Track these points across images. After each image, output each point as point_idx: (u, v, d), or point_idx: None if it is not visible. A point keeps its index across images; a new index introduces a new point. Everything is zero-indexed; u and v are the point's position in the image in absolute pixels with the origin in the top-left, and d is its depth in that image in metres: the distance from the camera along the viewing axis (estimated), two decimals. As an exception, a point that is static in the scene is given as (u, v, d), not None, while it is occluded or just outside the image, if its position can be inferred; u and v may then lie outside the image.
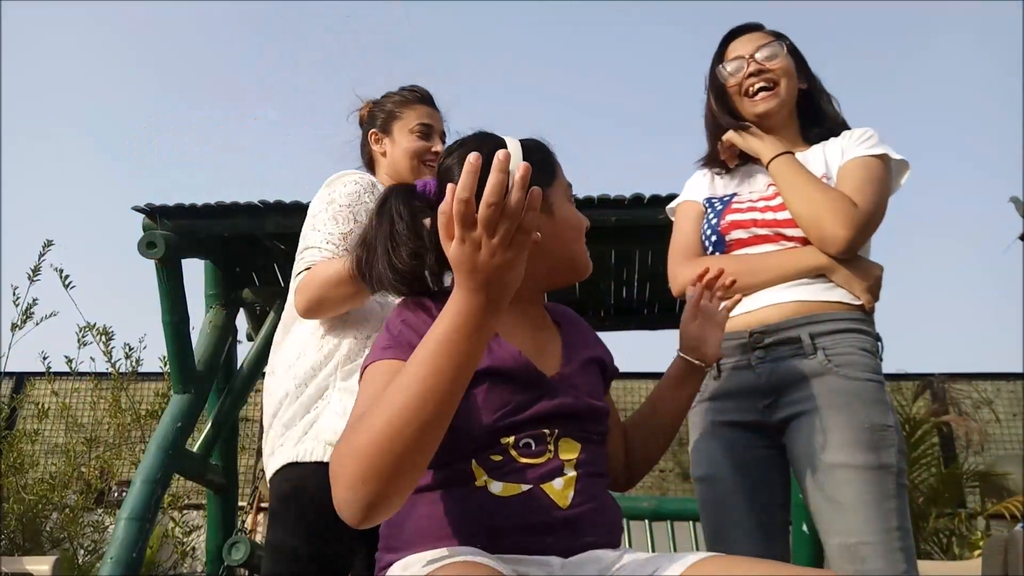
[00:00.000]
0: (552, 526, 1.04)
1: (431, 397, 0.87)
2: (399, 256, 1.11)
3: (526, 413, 1.08)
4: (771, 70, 1.63)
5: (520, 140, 1.22)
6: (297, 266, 1.58)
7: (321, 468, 1.44)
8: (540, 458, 1.07)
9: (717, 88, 1.71)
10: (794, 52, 1.69)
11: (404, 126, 1.80)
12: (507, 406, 1.07)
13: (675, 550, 2.80)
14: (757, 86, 1.63)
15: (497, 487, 1.04)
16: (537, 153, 1.20)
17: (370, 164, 1.86)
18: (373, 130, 1.84)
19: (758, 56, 1.63)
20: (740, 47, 1.67)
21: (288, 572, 1.46)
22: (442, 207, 0.86)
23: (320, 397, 1.53)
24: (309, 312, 1.53)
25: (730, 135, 1.67)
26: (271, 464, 1.54)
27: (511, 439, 1.06)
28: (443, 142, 1.82)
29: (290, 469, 1.50)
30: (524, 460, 1.06)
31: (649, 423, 1.32)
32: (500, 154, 0.81)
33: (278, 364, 1.61)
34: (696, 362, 1.29)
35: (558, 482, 1.06)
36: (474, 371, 0.92)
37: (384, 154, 1.82)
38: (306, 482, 1.47)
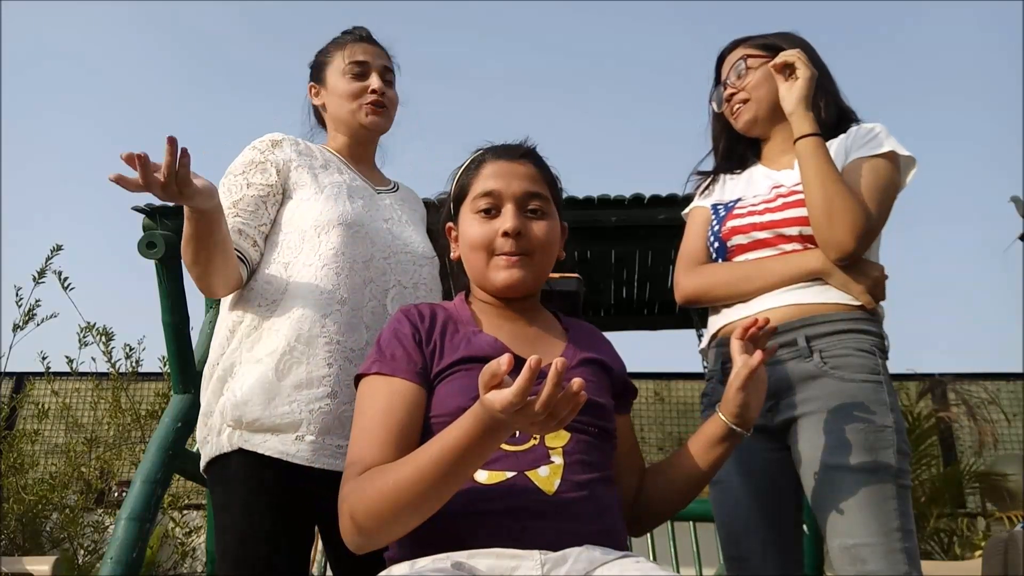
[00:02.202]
0: (537, 512, 1.05)
1: (437, 489, 0.99)
2: None
3: None
4: (742, 88, 1.68)
5: (461, 165, 1.33)
6: None
7: (237, 456, 1.38)
8: (524, 445, 1.10)
9: (714, 111, 1.79)
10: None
11: (336, 69, 1.66)
12: None
13: (675, 551, 2.80)
14: (735, 106, 1.70)
15: (482, 475, 1.08)
16: (459, 175, 1.32)
17: (323, 124, 1.76)
18: (311, 83, 1.71)
19: (730, 80, 1.71)
20: (725, 69, 1.74)
21: (238, 566, 1.37)
22: (490, 366, 0.92)
23: (229, 376, 1.45)
24: (204, 290, 1.48)
25: (783, 88, 1.58)
26: (202, 459, 1.47)
27: None
28: (385, 79, 1.68)
29: (215, 464, 1.42)
30: (508, 447, 1.09)
31: (672, 476, 1.28)
32: (558, 363, 0.88)
33: None
34: (738, 429, 1.24)
35: (543, 469, 1.08)
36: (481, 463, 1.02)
37: (324, 106, 1.69)
38: (229, 474, 1.39)
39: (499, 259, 1.22)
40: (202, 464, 1.47)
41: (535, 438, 1.10)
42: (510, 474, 1.07)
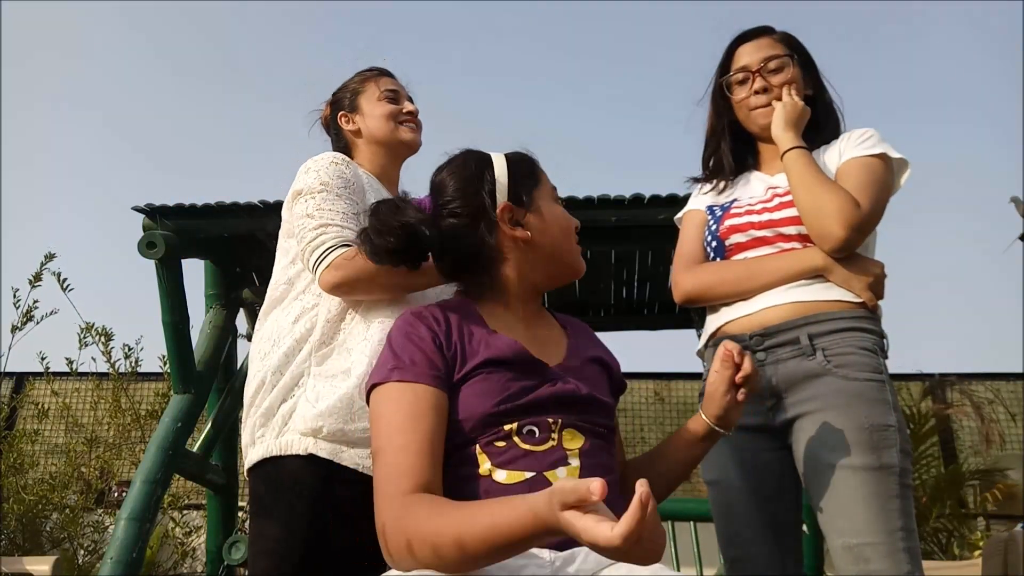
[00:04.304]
0: None
1: (475, 561, 0.94)
2: (386, 226, 1.24)
3: (527, 398, 1.12)
4: (776, 86, 1.63)
5: (505, 154, 1.32)
6: (322, 240, 1.52)
7: (301, 460, 1.44)
8: (543, 445, 1.10)
9: (722, 99, 1.72)
10: (803, 57, 1.69)
11: (370, 97, 1.81)
12: (507, 392, 1.11)
13: (675, 550, 2.79)
14: (762, 101, 1.64)
15: (501, 475, 1.08)
16: (521, 163, 1.31)
17: (347, 152, 1.82)
18: (342, 112, 1.83)
19: (765, 70, 1.64)
20: (746, 56, 1.68)
21: (280, 567, 1.41)
22: (579, 491, 0.82)
23: (296, 385, 1.52)
24: (343, 287, 1.50)
25: (777, 104, 1.62)
26: (251, 456, 1.53)
27: (514, 425, 1.10)
28: (412, 103, 1.83)
29: (272, 463, 1.48)
30: (527, 447, 1.09)
31: (655, 470, 1.29)
32: (642, 492, 0.80)
33: (255, 353, 1.61)
34: (719, 429, 1.26)
35: (561, 471, 1.09)
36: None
37: (358, 132, 1.81)
38: (291, 476, 1.45)
39: (576, 246, 1.30)
40: (252, 460, 1.52)
41: (553, 439, 1.11)
42: (529, 474, 1.08)
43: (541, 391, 1.13)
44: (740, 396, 1.24)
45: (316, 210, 1.56)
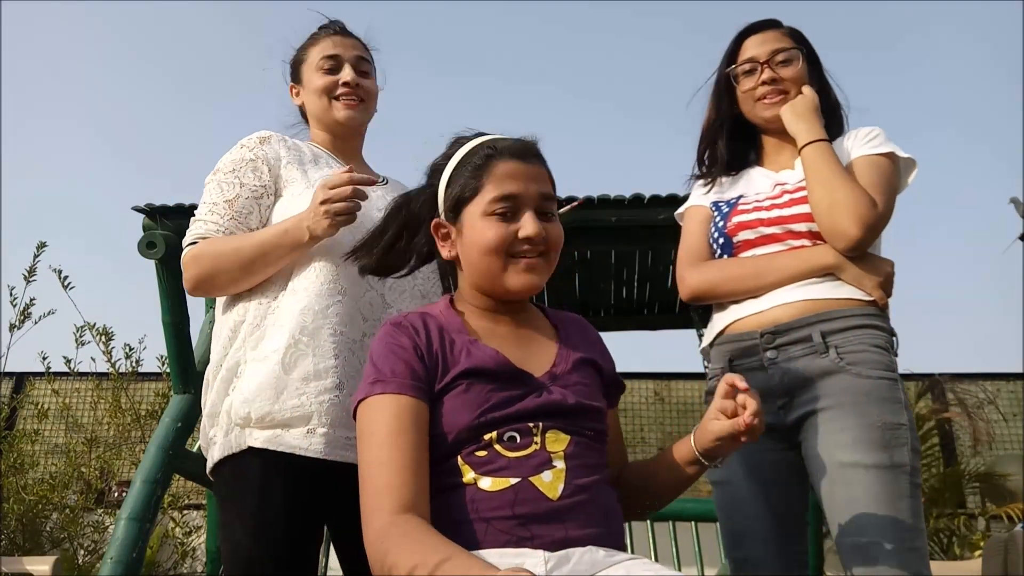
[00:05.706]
0: (542, 517, 1.05)
1: None
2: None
3: (509, 409, 1.11)
4: (785, 79, 1.62)
5: (485, 142, 1.22)
6: (185, 239, 1.52)
7: (245, 456, 1.36)
8: (526, 450, 1.09)
9: (726, 90, 1.70)
10: (809, 53, 1.68)
11: (310, 66, 1.66)
12: (488, 403, 1.10)
13: (677, 551, 2.79)
14: (769, 91, 1.63)
15: (486, 483, 1.07)
16: (471, 164, 1.21)
17: (308, 122, 1.75)
18: (291, 83, 1.73)
19: (774, 62, 1.63)
20: (754, 48, 1.66)
21: (249, 569, 1.34)
22: None
23: (235, 376, 1.43)
24: (196, 289, 1.49)
25: (784, 108, 1.61)
26: (208, 461, 1.45)
27: (494, 434, 1.09)
28: (360, 70, 1.66)
29: (224, 465, 1.40)
30: (510, 454, 1.09)
31: (648, 482, 1.27)
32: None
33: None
34: (705, 462, 1.19)
35: (547, 475, 1.08)
36: None
37: (304, 104, 1.70)
38: (239, 475, 1.37)
39: (519, 263, 1.17)
40: (208, 466, 1.45)
41: (536, 442, 1.10)
42: (514, 480, 1.07)
43: (525, 403, 1.11)
44: (741, 440, 1.14)
45: (200, 202, 1.54)
